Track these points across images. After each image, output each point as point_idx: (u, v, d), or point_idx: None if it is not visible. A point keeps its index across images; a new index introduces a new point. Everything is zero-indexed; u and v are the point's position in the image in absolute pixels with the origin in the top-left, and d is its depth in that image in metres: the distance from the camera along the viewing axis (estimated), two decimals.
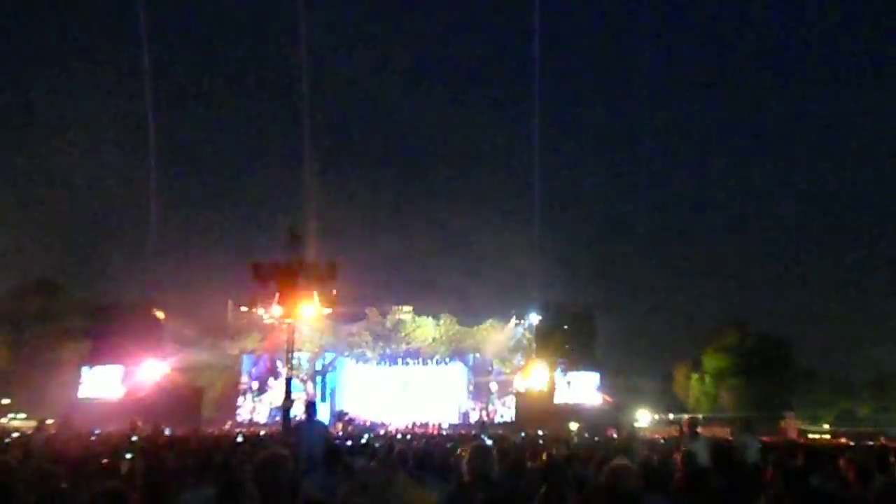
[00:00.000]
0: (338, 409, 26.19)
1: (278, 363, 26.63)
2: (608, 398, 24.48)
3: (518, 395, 26.17)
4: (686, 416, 11.29)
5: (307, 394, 27.70)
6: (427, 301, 29.67)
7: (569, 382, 25.16)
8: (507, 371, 28.51)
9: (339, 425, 19.92)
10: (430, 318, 29.43)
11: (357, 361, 30.21)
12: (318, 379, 28.93)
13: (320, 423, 6.55)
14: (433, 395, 30.11)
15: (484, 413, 28.42)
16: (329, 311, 18.55)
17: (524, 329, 28.53)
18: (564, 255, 31.93)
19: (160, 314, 23.83)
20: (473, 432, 18.19)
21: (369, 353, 29.42)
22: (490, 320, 28.88)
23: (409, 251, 32.92)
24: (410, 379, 30.40)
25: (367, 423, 24.91)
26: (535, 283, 28.06)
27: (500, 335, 28.77)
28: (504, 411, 28.14)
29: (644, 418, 21.36)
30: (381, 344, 29.41)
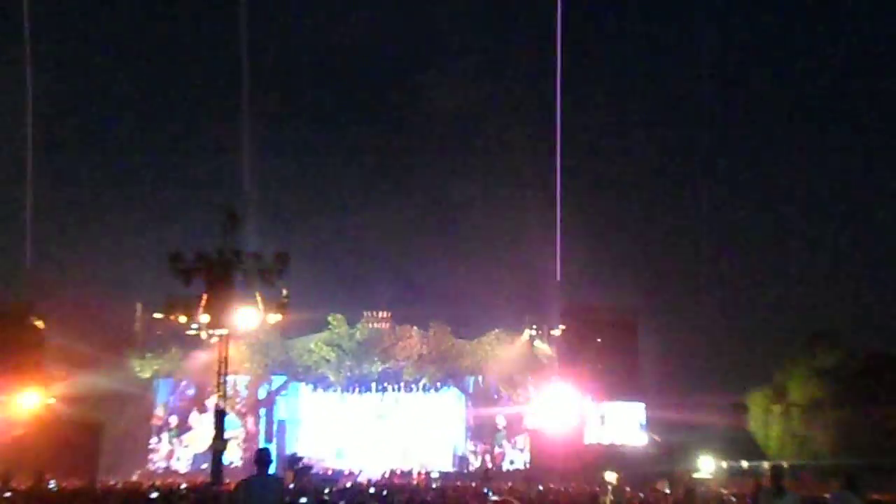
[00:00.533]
0: (289, 452, 26.25)
1: (206, 390, 26.76)
2: (657, 438, 24.99)
3: (534, 433, 26.65)
4: (767, 465, 11.45)
5: (246, 432, 28.24)
6: (411, 306, 30.05)
7: (603, 416, 25.65)
8: (520, 400, 28.76)
9: (290, 475, 19.94)
10: (415, 329, 29.55)
11: (316, 387, 30.48)
12: (263, 412, 29.10)
13: (275, 480, 6.65)
14: (419, 432, 30.67)
15: (488, 458, 28.70)
16: (277, 318, 18.97)
17: (542, 343, 28.92)
18: (597, 245, 31.70)
19: (40, 324, 23.50)
20: (474, 485, 18.56)
21: (332, 377, 29.50)
22: (496, 331, 29.07)
23: (388, 240, 32.98)
24: (388, 411, 30.94)
25: (329, 473, 25.28)
26: (557, 282, 28.02)
27: (510, 351, 28.97)
28: (515, 455, 28.52)
29: (707, 466, 20.57)
30: (348, 363, 29.47)
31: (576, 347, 25.98)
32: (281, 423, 29.11)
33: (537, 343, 28.86)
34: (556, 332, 27.68)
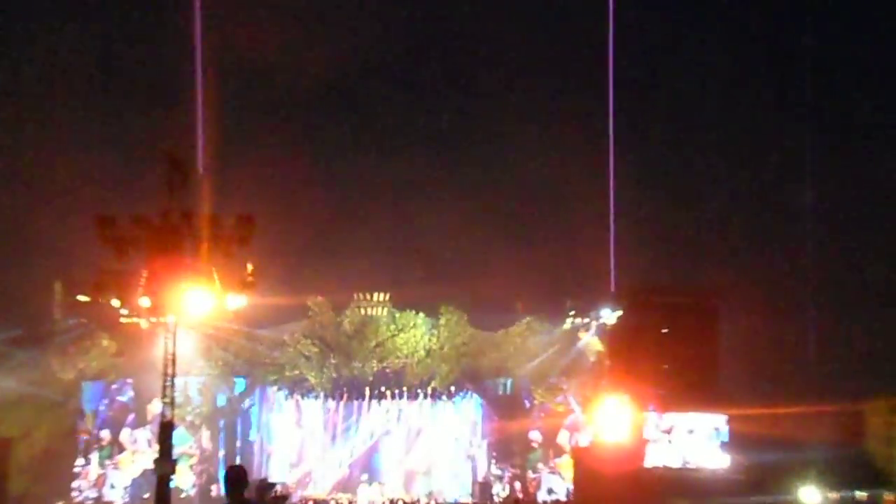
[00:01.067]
0: (258, 478, 26.84)
1: (148, 396, 27.41)
2: (743, 460, 25.15)
3: (579, 453, 27.03)
4: (890, 496, 11.50)
5: (201, 451, 29.14)
6: (416, 288, 30.45)
7: (671, 431, 25.98)
8: (560, 411, 29.44)
9: None
10: (422, 317, 30.16)
11: (291, 393, 31.23)
12: (222, 424, 29.83)
13: None
14: (428, 452, 31.81)
15: (518, 485, 29.52)
16: (241, 302, 19.23)
17: (590, 335, 29.40)
18: (663, 207, 31.36)
19: None
20: None
21: (313, 378, 30.20)
22: (528, 319, 29.67)
23: (384, 203, 32.93)
24: (387, 424, 32.05)
25: (310, 501, 27.19)
26: (610, 256, 28.16)
27: (548, 346, 29.69)
28: (554, 482, 29.29)
29: (811, 497, 21.11)
30: (333, 361, 30.11)
31: (635, 341, 26.45)
32: (247, 439, 30.09)
33: (584, 335, 29.23)
34: (610, 321, 28.10)
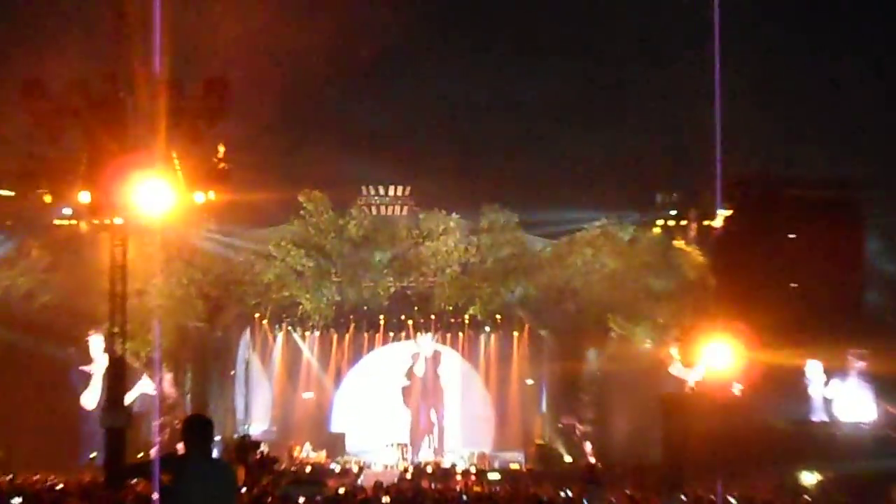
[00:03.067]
0: (237, 434, 28.57)
1: (89, 324, 27.51)
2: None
3: (670, 401, 27.45)
4: None
5: (162, 397, 29.34)
6: (447, 181, 30.89)
7: (798, 374, 26.46)
8: (645, 344, 29.50)
9: (241, 471, 21.66)
10: (454, 218, 30.40)
11: (279, 324, 32.75)
12: (188, 367, 30.51)
13: (223, 469, 7.16)
14: (465, 403, 33.86)
15: (589, 447, 30.32)
16: (209, 197, 20.17)
17: (686, 243, 29.52)
18: (785, 74, 30.92)
19: None
20: (569, 494, 19.52)
21: (307, 303, 30.58)
22: (602, 221, 29.90)
23: (402, 62, 32.51)
24: (408, 367, 33.93)
25: (307, 471, 27.55)
26: (713, 139, 27.49)
27: (628, 257, 29.71)
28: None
29: None
30: (335, 279, 30.53)
31: (750, 251, 26.53)
32: (222, 384, 31.17)
33: (680, 244, 29.27)
34: (715, 223, 28.14)
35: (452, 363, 33.59)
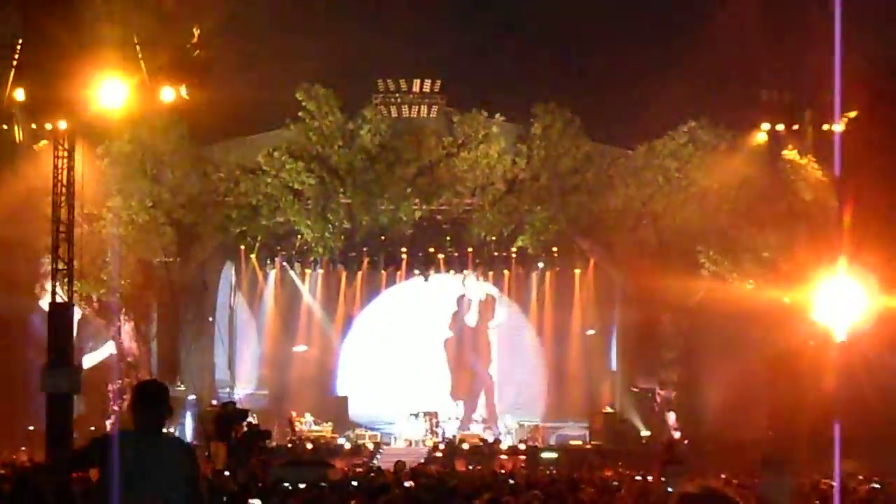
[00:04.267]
0: (218, 398, 28.89)
1: (30, 262, 27.61)
2: None
3: (779, 359, 27.71)
4: None
5: (122, 353, 29.67)
6: (488, 76, 31.66)
7: None
8: (746, 285, 29.64)
9: (221, 450, 22.28)
10: (498, 120, 30.50)
11: (272, 258, 33.09)
12: (155, 315, 30.91)
13: (175, 446, 7.31)
14: (511, 359, 34.26)
15: (671, 417, 30.68)
16: (181, 92, 20.70)
17: (798, 155, 29.41)
18: None
19: None
20: (648, 479, 19.94)
21: (308, 232, 30.75)
22: (690, 125, 29.97)
23: None
24: (438, 314, 34.21)
25: (309, 447, 28.35)
26: (832, 25, 26.76)
27: (724, 170, 29.79)
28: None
29: None
30: (344, 201, 30.65)
31: (881, 162, 26.37)
32: (199, 336, 31.37)
33: (791, 155, 29.24)
34: (835, 128, 27.94)
35: (493, 309, 34.05)
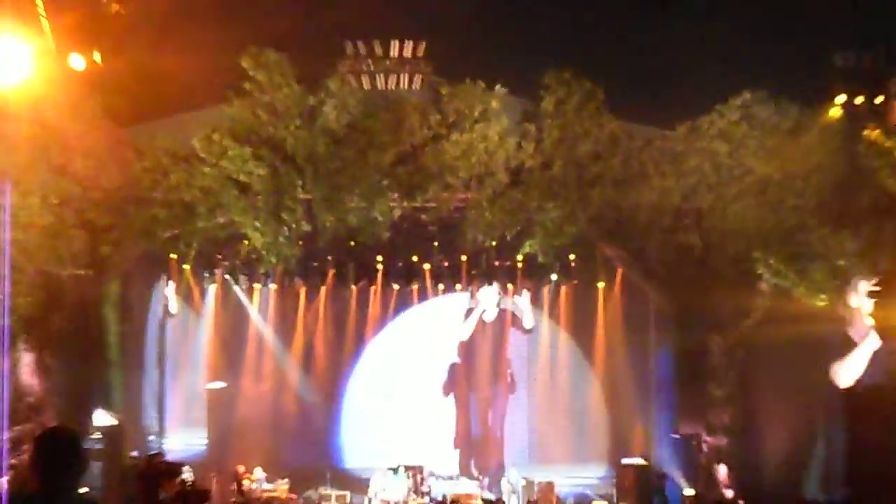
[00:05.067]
0: (144, 448, 29.15)
1: None
2: None
3: (858, 397, 27.55)
4: None
5: (23, 395, 29.09)
6: (483, 37, 30.94)
7: None
8: (819, 302, 29.11)
9: None
10: (499, 94, 29.99)
11: (211, 272, 33.69)
12: (62, 344, 29.95)
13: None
14: (521, 400, 34.83)
15: (722, 470, 30.49)
16: (89, 60, 20.14)
17: (877, 132, 28.91)
18: None
19: None
20: None
21: (257, 238, 30.22)
22: (744, 96, 29.72)
23: None
24: (464, 330, 34.94)
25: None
26: None
27: (784, 158, 29.55)
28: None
29: None
30: (302, 197, 30.04)
31: None
32: (122, 368, 31.26)
33: (872, 135, 28.86)
34: None
35: (492, 336, 34.71)
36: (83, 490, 8.01)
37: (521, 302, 34.25)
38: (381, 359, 34.69)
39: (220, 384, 33.85)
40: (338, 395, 34.86)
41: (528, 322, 34.31)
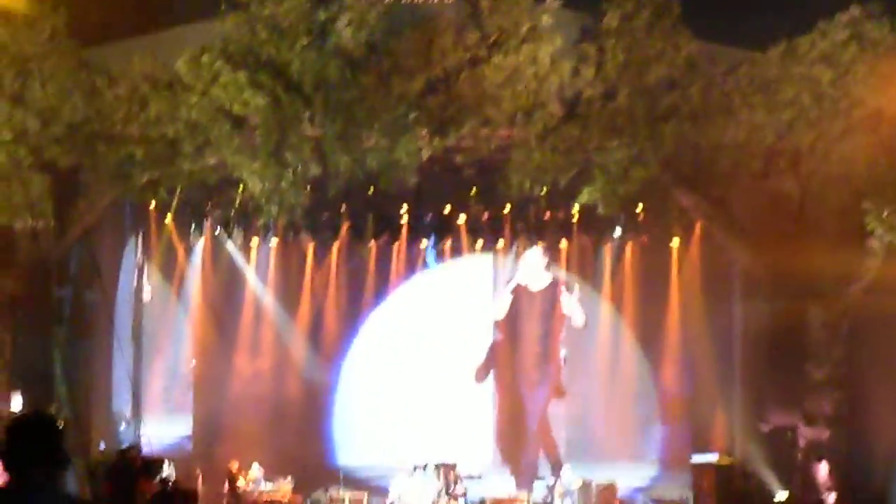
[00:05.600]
0: (117, 441, 28.99)
1: None
2: None
3: None
4: None
5: None
6: None
7: None
8: None
9: None
10: (550, 4, 29.33)
11: (198, 224, 33.29)
12: (16, 314, 30.29)
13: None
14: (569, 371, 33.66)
15: (823, 468, 29.77)
16: None
17: None
18: None
19: None
20: None
21: (253, 182, 29.62)
22: (854, 11, 29.01)
23: None
24: (502, 301, 34.29)
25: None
26: None
27: None
28: None
29: None
30: (311, 130, 29.38)
31: None
32: (90, 342, 30.98)
33: None
34: None
35: (543, 300, 33.63)
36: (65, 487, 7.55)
37: (570, 299, 33.27)
38: (404, 331, 34.03)
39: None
40: (351, 376, 34.19)
41: (578, 319, 33.19)
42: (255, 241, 33.40)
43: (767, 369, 30.83)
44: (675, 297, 32.95)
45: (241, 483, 30.24)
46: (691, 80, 28.85)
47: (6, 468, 7.21)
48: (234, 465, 30.52)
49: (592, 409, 33.57)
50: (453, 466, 30.93)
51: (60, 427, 7.36)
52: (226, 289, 33.97)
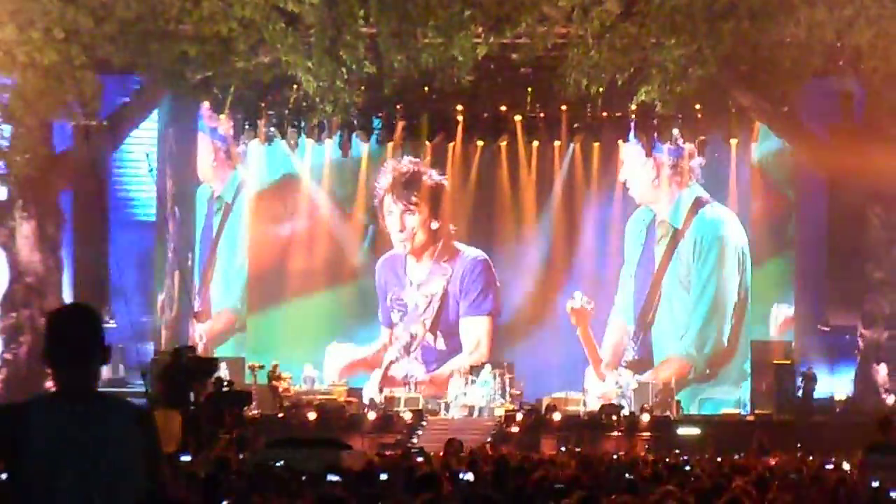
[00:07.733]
0: (169, 342, 28.54)
1: None
2: None
3: None
4: None
5: (22, 273, 29.57)
6: None
7: None
8: None
9: (172, 423, 21.42)
10: None
11: (252, 123, 32.54)
12: (69, 215, 30.24)
13: (127, 410, 6.77)
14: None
15: (879, 368, 29.75)
16: None
17: None
18: None
19: None
20: (833, 469, 20.28)
21: (307, 80, 29.57)
22: None
23: None
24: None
25: (307, 414, 27.98)
26: None
27: None
28: None
29: None
30: (365, 27, 29.24)
31: None
32: (138, 239, 31.07)
33: None
34: None
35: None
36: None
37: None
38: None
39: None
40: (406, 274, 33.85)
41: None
42: (309, 141, 33.32)
43: (826, 270, 31.02)
44: (733, 195, 32.92)
45: (283, 384, 30.25)
46: None
47: (51, 367, 6.63)
48: (276, 367, 30.47)
49: (643, 311, 33.41)
50: (510, 366, 31.02)
51: (99, 319, 6.55)
52: (279, 189, 34.07)
